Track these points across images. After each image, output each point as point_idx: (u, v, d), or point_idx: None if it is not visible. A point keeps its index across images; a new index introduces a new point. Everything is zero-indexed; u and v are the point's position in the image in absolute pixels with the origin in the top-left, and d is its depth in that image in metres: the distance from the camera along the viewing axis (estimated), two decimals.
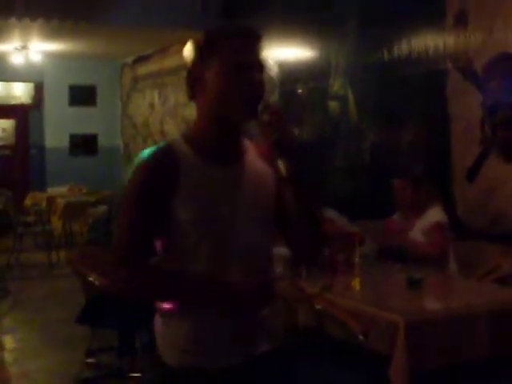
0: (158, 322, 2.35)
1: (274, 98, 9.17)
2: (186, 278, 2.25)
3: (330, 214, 6.17)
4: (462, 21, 6.11)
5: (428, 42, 6.50)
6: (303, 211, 2.29)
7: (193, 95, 2.32)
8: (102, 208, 9.61)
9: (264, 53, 2.36)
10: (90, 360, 5.66)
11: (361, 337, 3.61)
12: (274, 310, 2.36)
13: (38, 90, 15.04)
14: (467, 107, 6.08)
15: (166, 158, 2.25)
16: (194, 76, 2.30)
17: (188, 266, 2.25)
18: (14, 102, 15.25)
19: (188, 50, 2.32)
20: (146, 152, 2.29)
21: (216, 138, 2.29)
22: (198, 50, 2.30)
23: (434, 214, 5.34)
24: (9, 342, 6.96)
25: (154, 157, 2.27)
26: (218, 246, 2.25)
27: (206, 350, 2.26)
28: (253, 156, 2.35)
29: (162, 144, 2.32)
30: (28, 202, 12.42)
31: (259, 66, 2.31)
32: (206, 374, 2.25)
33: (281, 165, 2.22)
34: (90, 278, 5.25)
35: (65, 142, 14.92)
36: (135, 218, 2.26)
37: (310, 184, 2.32)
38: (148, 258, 2.28)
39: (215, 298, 2.25)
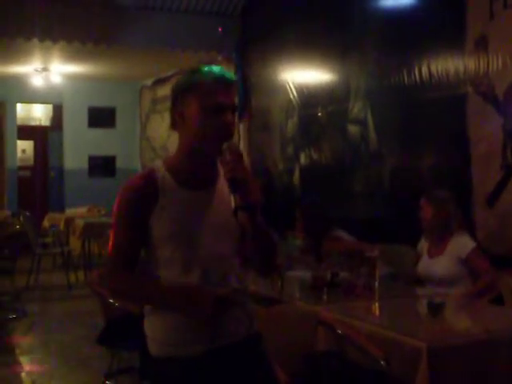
0: (145, 320, 2.72)
1: (293, 121, 9.19)
2: (155, 286, 2.64)
3: (341, 234, 6.22)
4: (482, 45, 6.09)
5: (448, 65, 6.48)
6: (255, 236, 2.60)
7: (174, 126, 2.68)
8: None
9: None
10: (108, 382, 5.64)
11: (383, 362, 3.58)
12: (238, 308, 2.68)
13: (58, 111, 15.17)
14: (488, 131, 6.05)
15: (146, 181, 2.63)
16: (176, 109, 2.65)
17: (164, 273, 2.63)
18: (33, 123, 15.39)
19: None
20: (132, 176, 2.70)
21: (191, 165, 2.66)
22: (180, 86, 2.65)
23: (465, 243, 5.32)
24: (27, 363, 6.96)
25: (136, 180, 2.67)
26: (188, 258, 2.61)
27: (176, 341, 2.61)
28: (224, 181, 2.60)
29: (145, 169, 2.70)
30: (46, 223, 12.48)
31: (232, 108, 2.63)
32: (177, 361, 2.60)
33: (233, 198, 2.51)
34: (110, 300, 5.24)
35: (84, 164, 15.02)
36: (120, 232, 2.65)
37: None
38: (132, 266, 2.65)
39: (176, 306, 2.58)
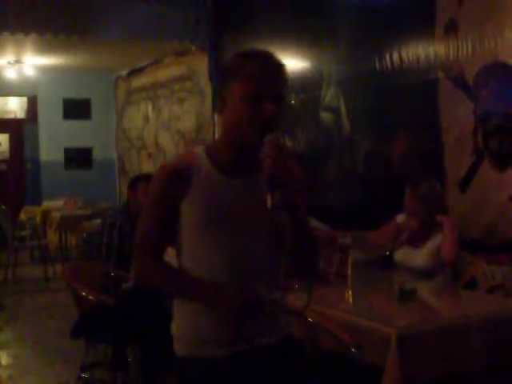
0: (173, 320, 2.60)
1: None
2: (186, 277, 2.48)
3: (313, 223, 6.18)
4: (452, 30, 6.11)
5: (419, 51, 6.50)
6: (296, 236, 2.43)
7: (219, 111, 2.50)
8: (96, 221, 9.57)
9: (286, 84, 2.45)
10: (83, 375, 5.62)
11: (353, 349, 3.60)
12: (275, 305, 2.54)
13: (33, 103, 15.04)
14: (459, 117, 6.07)
15: (181, 162, 2.49)
16: (220, 95, 2.47)
17: (186, 263, 2.49)
18: (8, 116, 15.24)
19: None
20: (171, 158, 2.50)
21: (230, 153, 2.47)
22: (225, 69, 2.48)
23: None
24: (3, 357, 6.94)
25: (171, 161, 2.55)
26: (213, 250, 2.44)
27: (199, 341, 2.49)
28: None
29: (184, 152, 2.50)
30: (23, 216, 12.40)
31: (277, 97, 2.41)
32: (200, 362, 2.48)
33: (269, 197, 2.29)
34: (83, 293, 5.23)
35: (60, 156, 14.92)
36: (152, 214, 2.51)
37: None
38: (161, 251, 2.53)
39: (206, 299, 2.43)
